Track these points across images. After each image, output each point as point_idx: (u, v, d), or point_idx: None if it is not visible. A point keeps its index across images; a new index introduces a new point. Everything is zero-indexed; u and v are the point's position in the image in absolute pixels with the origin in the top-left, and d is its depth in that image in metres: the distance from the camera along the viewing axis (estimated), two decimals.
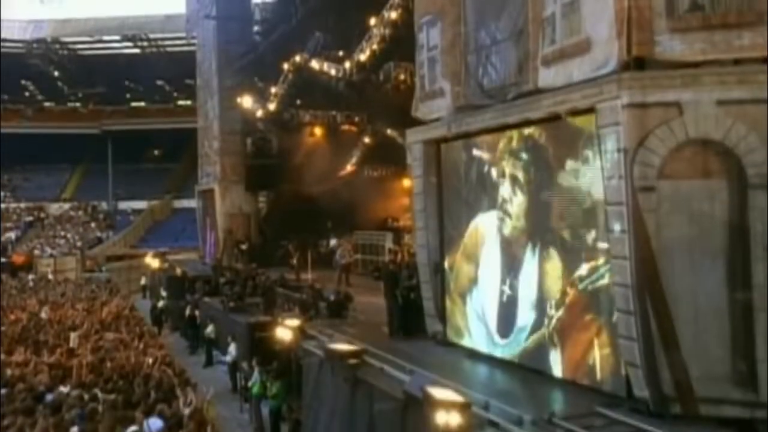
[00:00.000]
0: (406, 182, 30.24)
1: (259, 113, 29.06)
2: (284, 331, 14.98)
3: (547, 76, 10.53)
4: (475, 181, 12.77)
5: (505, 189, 11.81)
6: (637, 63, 9.12)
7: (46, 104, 61.19)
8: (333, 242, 30.00)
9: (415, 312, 14.57)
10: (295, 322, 15.32)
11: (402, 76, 19.46)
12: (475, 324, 12.91)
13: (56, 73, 58.72)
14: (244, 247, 30.31)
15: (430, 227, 14.03)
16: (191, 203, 51.87)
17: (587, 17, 9.65)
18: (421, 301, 14.38)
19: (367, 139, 29.53)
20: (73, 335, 18.17)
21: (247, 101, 30.17)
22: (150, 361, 16.32)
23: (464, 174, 13.10)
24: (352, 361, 11.74)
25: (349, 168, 30.56)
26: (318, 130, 28.67)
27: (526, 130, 11.19)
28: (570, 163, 10.31)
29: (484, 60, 12.10)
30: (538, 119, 10.83)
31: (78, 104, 61.71)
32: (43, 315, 23.09)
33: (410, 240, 24.89)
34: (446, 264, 13.73)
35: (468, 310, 13.13)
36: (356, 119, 28.55)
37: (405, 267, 15.48)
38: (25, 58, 55.31)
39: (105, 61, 56.17)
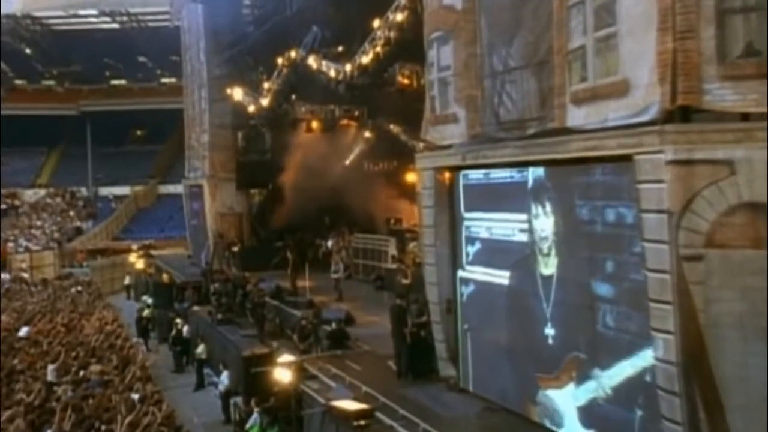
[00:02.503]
0: (410, 177, 30.16)
1: (252, 108, 28.39)
2: (283, 372, 14.49)
3: (576, 116, 9.95)
4: None
5: (529, 229, 11.33)
6: (682, 113, 8.54)
7: (19, 83, 60.11)
8: (331, 243, 29.44)
9: (425, 351, 14.27)
10: (292, 359, 14.86)
11: (407, 80, 18.77)
12: (494, 375, 12.49)
13: (28, 51, 57.62)
14: (236, 249, 29.77)
15: (441, 263, 13.64)
16: (178, 188, 51.32)
17: (625, 57, 9.04)
18: (432, 339, 14.06)
19: (367, 134, 28.98)
20: (50, 368, 17.80)
21: (237, 93, 29.48)
22: (136, 398, 16.01)
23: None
24: (360, 422, 11.30)
25: (348, 163, 29.94)
26: (315, 125, 28.10)
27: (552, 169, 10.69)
28: (601, 212, 9.74)
29: (499, 88, 11.50)
30: (566, 160, 10.28)
31: (53, 83, 60.72)
32: (22, 334, 22.67)
33: (415, 248, 24.39)
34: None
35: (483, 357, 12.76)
36: (356, 113, 27.97)
37: (414, 302, 14.96)
38: None
39: (81, 37, 55.04)
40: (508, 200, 11.80)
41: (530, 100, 10.74)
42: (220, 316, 22.35)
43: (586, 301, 10.06)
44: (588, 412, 10.25)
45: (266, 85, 27.07)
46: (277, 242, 30.06)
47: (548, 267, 10.94)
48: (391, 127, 26.99)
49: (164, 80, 58.61)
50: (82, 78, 59.46)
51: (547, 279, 10.95)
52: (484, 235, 12.64)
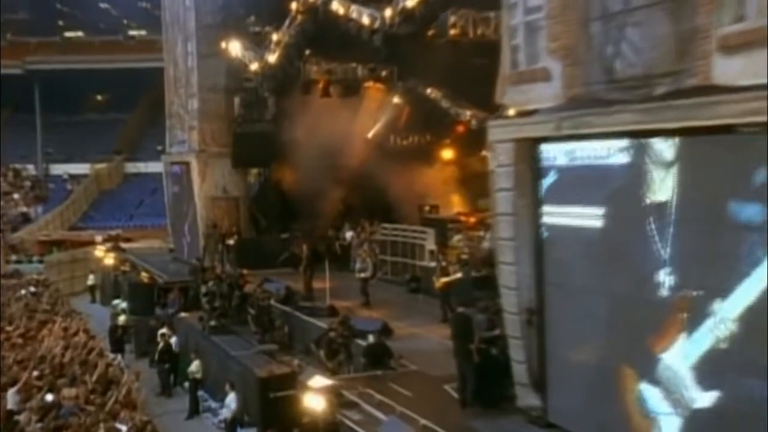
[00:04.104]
0: (447, 154, 29.88)
1: (254, 67, 27.95)
2: (315, 398, 14.15)
3: (726, 69, 9.27)
4: None
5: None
6: None
7: None
8: (349, 234, 29.40)
9: (497, 374, 13.87)
10: (329, 383, 14.62)
11: (459, 29, 18.27)
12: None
13: None
14: (231, 242, 29.46)
15: (522, 262, 13.04)
16: (149, 167, 51.63)
17: None
18: (505, 358, 13.60)
19: (396, 100, 28.68)
20: (10, 393, 17.38)
21: (235, 47, 29.04)
22: (124, 429, 15.65)
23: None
24: None
25: (370, 137, 29.67)
26: (331, 88, 27.89)
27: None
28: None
29: (615, 33, 10.86)
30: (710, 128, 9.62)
31: None
32: None
33: (460, 242, 24.04)
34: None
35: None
36: (383, 74, 27.57)
37: (483, 310, 14.45)
38: None
39: None
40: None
41: (662, 48, 10.06)
42: (212, 323, 22.25)
43: (724, 230, 9.49)
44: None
45: (274, 36, 26.66)
46: (282, 234, 30.03)
47: (663, 191, 10.36)
48: (429, 91, 26.62)
49: (132, 33, 58.64)
50: (29, 28, 59.06)
51: (661, 208, 10.36)
52: (562, 161, 12.21)
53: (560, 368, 12.69)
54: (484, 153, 27.41)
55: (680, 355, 10.12)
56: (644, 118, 10.43)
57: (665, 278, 10.36)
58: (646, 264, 10.55)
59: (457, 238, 24.46)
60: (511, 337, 13.26)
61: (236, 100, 31.83)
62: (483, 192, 29.47)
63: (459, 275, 20.02)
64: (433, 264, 24.08)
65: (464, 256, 22.42)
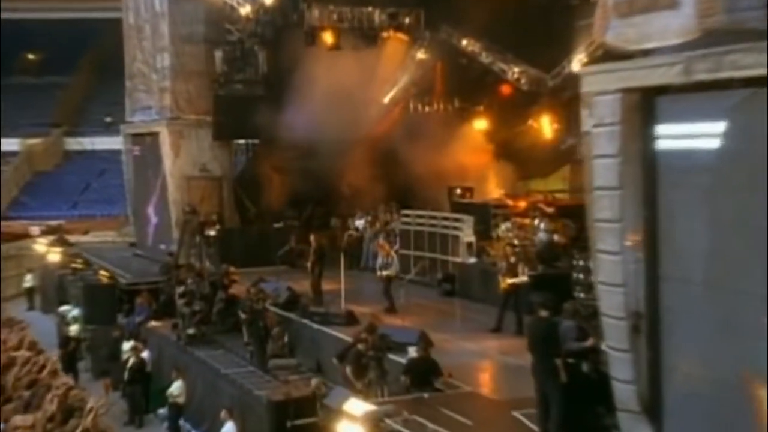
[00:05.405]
0: (480, 125, 29.52)
1: (245, 10, 27.74)
2: (353, 428, 13.81)
3: None
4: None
5: None
6: None
7: None
8: (360, 223, 29.52)
9: (589, 396, 13.57)
10: (371, 408, 14.17)
11: None
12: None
13: None
14: (212, 233, 28.58)
15: (629, 251, 12.35)
16: (96, 143, 51.60)
17: None
18: (599, 376, 13.27)
19: (421, 55, 28.39)
20: None
21: None
22: None
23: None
24: None
25: (387, 101, 29.53)
26: (339, 39, 27.74)
27: None
28: None
29: None
30: None
31: None
32: None
33: (509, 232, 23.63)
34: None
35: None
36: (407, 21, 27.40)
37: (571, 314, 13.85)
38: None
39: None
40: None
41: None
42: (191, 331, 22.51)
43: None
44: None
45: None
46: (275, 223, 30.23)
47: None
48: (465, 42, 26.30)
49: None
50: None
51: None
52: None
53: (681, 390, 12.05)
54: (531, 122, 27.40)
55: None
56: None
57: None
58: None
59: (504, 227, 24.14)
60: (614, 350, 12.57)
61: (218, 55, 31.60)
62: (528, 172, 29.57)
63: (531, 274, 19.87)
64: (472, 260, 24.19)
65: (516, 249, 21.99)
